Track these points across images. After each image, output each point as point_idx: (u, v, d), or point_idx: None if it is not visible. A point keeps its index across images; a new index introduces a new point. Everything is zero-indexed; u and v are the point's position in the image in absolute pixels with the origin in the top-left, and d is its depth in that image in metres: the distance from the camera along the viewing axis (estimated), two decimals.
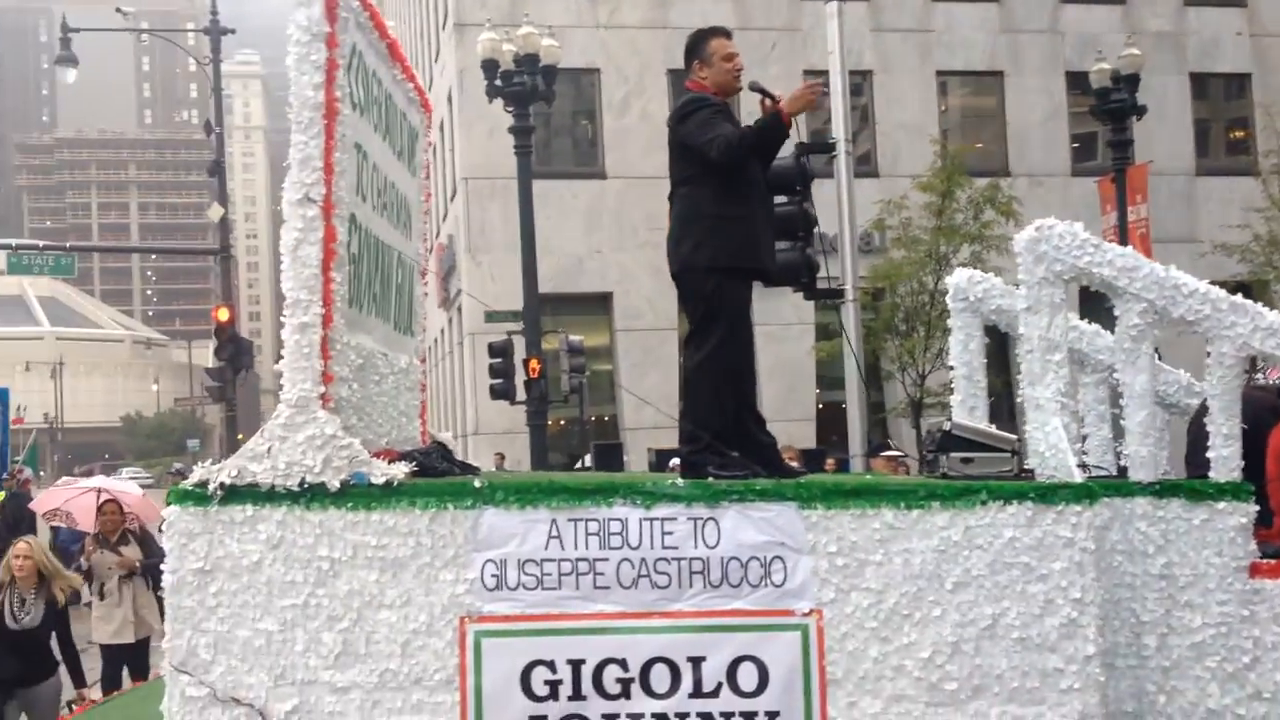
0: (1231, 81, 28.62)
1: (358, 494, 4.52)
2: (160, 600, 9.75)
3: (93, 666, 11.68)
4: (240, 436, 27.49)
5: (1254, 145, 27.16)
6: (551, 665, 4.49)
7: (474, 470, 5.34)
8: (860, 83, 25.05)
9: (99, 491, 11.04)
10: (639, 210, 24.26)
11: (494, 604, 4.52)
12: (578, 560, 4.55)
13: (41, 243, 31.07)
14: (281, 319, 4.60)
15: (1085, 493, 4.72)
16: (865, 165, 24.47)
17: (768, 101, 5.28)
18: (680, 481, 4.79)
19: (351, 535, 4.51)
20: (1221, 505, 5.18)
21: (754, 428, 5.34)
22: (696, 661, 4.52)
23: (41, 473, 45.82)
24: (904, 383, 20.80)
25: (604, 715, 4.49)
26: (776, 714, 4.52)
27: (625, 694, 4.50)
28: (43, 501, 11.81)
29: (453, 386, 29.05)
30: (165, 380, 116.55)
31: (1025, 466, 5.20)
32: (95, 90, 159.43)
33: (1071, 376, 5.51)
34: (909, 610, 4.59)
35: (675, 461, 8.95)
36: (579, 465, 19.63)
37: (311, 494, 4.50)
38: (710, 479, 4.86)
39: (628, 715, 4.49)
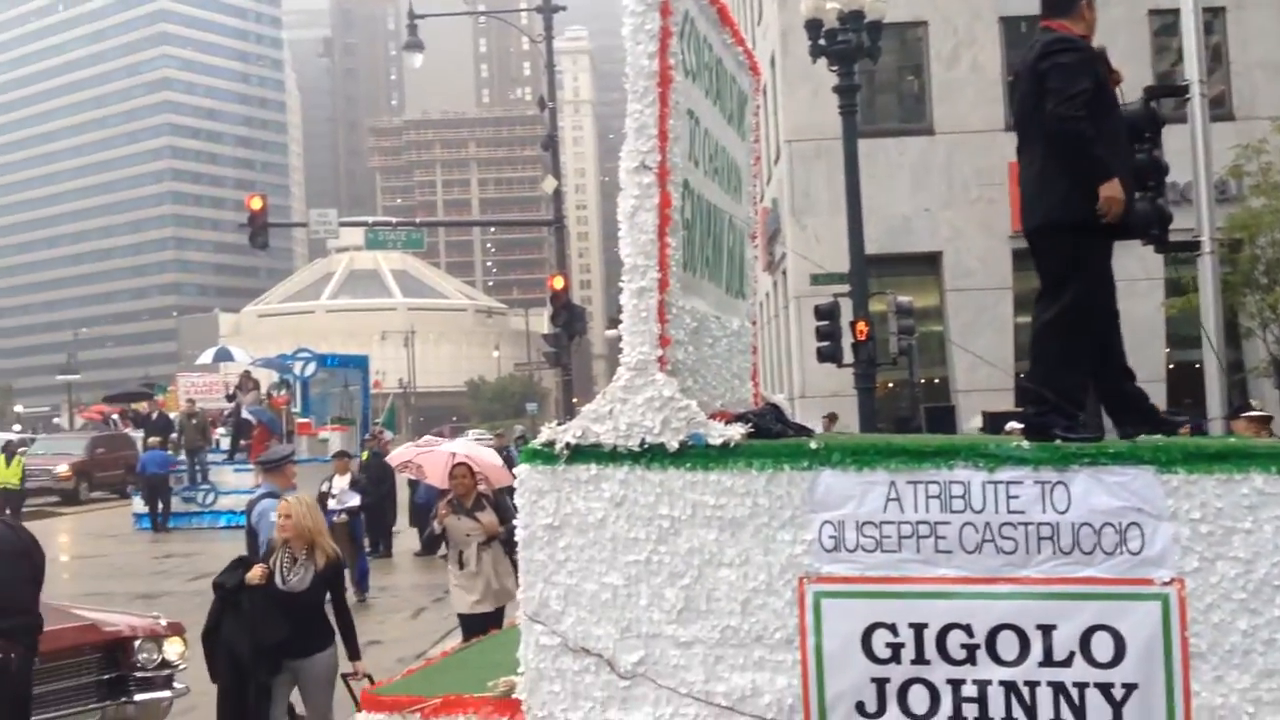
0: None
1: (696, 454, 4.59)
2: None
3: (447, 631, 12.16)
4: (575, 400, 28.63)
5: None
6: (893, 628, 4.43)
7: (808, 432, 5.33)
8: (1212, 20, 23.23)
9: (452, 455, 10.73)
10: (969, 166, 23.48)
11: (832, 565, 4.50)
12: (918, 523, 4.46)
13: (395, 220, 33.26)
14: (620, 284, 4.72)
15: None
16: (1219, 108, 22.66)
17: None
18: (1025, 444, 4.61)
19: (691, 495, 4.59)
20: None
21: (1123, 382, 5.13)
22: (1046, 629, 4.34)
23: (396, 434, 49.09)
24: (1265, 340, 19.35)
25: (949, 680, 4.39)
26: (1134, 686, 4.29)
27: (970, 660, 4.38)
28: (396, 455, 12.12)
29: (779, 349, 29.12)
30: (505, 346, 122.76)
31: None
32: (437, 73, 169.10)
33: None
34: None
35: (1012, 425, 8.62)
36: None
37: (651, 454, 4.61)
38: (1058, 441, 4.66)
39: (974, 681, 4.38)
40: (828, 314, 19.11)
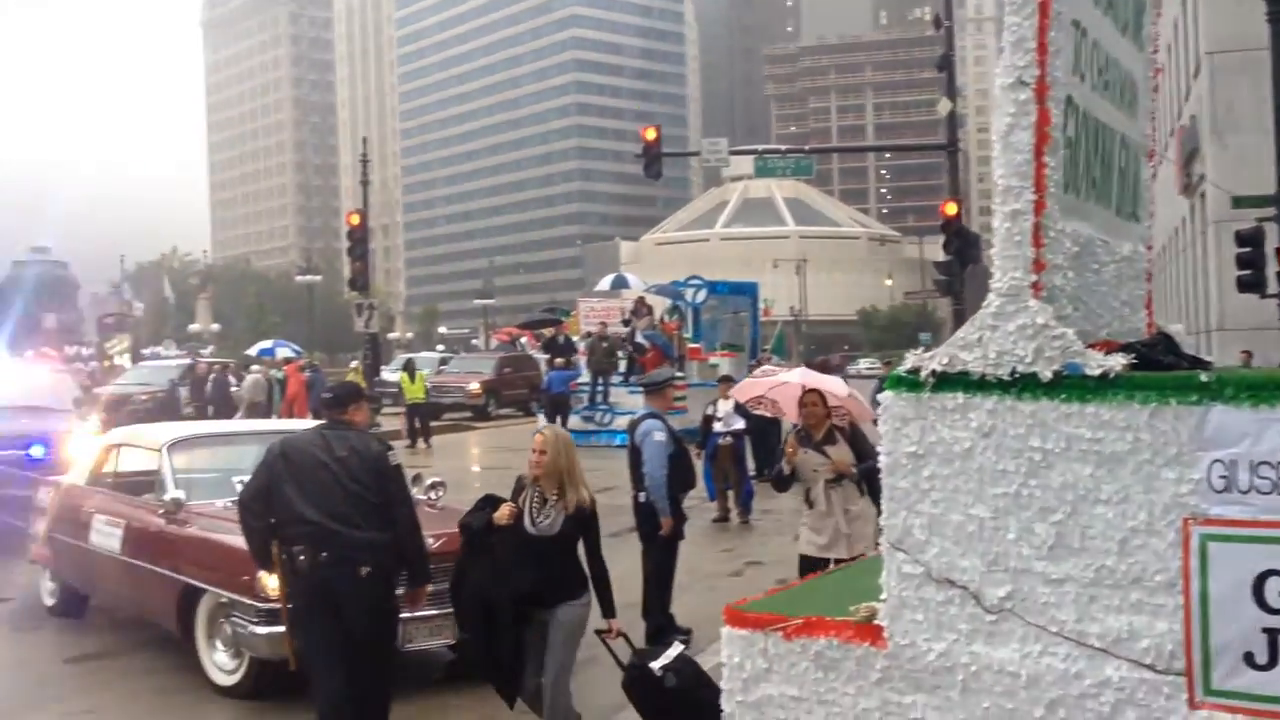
0: None
1: (1071, 385, 4.37)
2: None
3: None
4: None
5: None
6: None
7: (1204, 365, 4.94)
8: None
9: (802, 385, 9.35)
10: None
11: (1222, 507, 4.18)
12: None
13: (784, 147, 33.40)
14: (991, 207, 4.55)
15: None
16: None
17: None
18: None
19: (1065, 427, 4.38)
20: None
21: None
22: None
23: (785, 361, 49.70)
24: None
25: None
26: None
27: None
28: (745, 389, 10.51)
29: (1194, 278, 27.15)
30: (898, 275, 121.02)
31: None
32: None
33: None
34: None
35: None
36: None
37: (1023, 384, 4.43)
38: None
39: None
40: (1251, 240, 17.64)
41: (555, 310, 45.71)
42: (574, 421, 28.27)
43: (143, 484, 9.94)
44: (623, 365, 28.98)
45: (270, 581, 7.39)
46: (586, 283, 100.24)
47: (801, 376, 9.78)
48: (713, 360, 29.58)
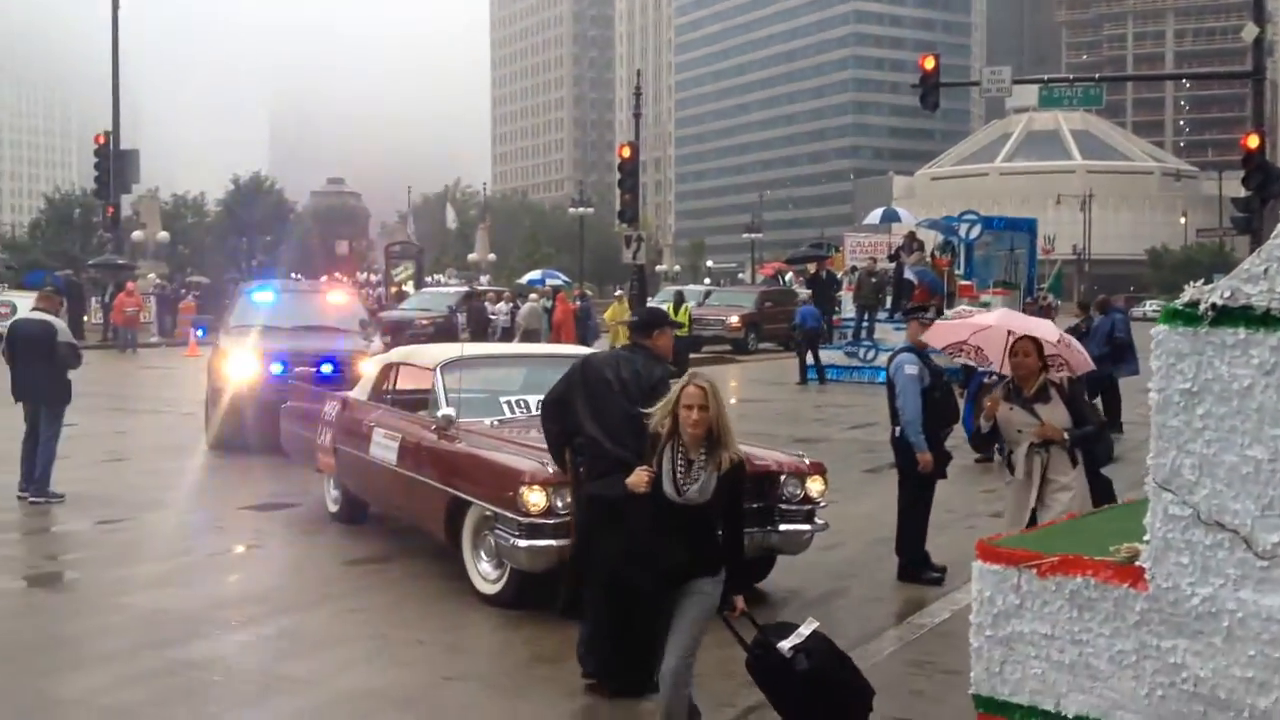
0: None
1: None
2: (1095, 482, 7.71)
3: None
4: None
5: None
6: None
7: None
8: None
9: (1008, 330, 7.93)
10: None
11: None
12: None
13: (1072, 75, 31.79)
14: None
15: None
16: None
17: None
18: None
19: None
20: None
21: None
22: None
23: (1063, 302, 47.75)
24: None
25: None
26: None
27: None
28: (943, 334, 9.03)
29: None
30: (1193, 213, 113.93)
31: None
32: None
33: None
34: None
35: None
36: None
37: None
38: None
39: None
40: None
41: (822, 246, 45.23)
42: (837, 356, 28.05)
43: (418, 401, 10.53)
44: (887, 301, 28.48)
45: (532, 497, 7.72)
46: (856, 219, 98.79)
47: (1001, 319, 8.46)
48: (985, 298, 28.67)
